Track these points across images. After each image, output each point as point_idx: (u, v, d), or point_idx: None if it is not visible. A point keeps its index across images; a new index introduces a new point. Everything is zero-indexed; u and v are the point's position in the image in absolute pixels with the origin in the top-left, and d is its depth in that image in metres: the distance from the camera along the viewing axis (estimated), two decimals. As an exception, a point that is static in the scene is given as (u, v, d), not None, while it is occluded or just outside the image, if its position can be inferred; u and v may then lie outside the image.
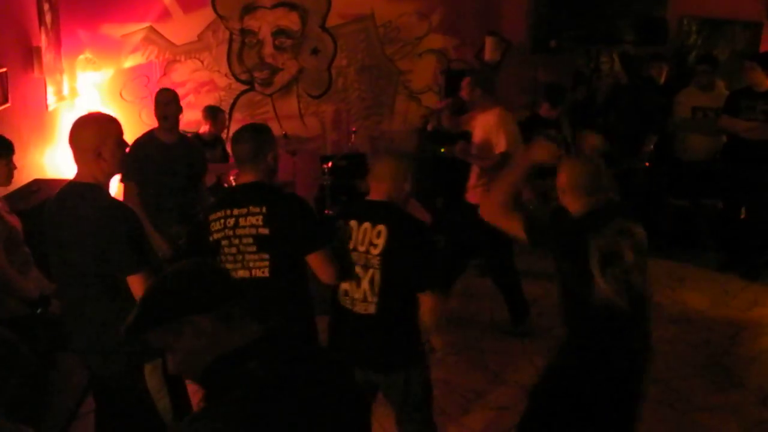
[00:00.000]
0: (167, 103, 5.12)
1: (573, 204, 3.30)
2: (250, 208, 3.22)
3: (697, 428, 4.57)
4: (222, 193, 3.53)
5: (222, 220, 3.28)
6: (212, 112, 6.93)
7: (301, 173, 7.14)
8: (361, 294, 3.31)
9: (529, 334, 5.72)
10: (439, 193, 7.43)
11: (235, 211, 3.25)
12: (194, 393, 4.28)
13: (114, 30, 7.37)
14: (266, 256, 3.22)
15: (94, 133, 3.09)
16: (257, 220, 3.20)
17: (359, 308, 3.33)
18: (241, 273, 3.26)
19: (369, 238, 3.28)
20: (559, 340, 5.52)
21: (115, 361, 3.19)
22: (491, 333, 5.79)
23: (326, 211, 7.26)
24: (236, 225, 3.24)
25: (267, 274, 3.24)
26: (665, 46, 8.06)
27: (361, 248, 3.29)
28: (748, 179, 6.73)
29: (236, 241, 3.25)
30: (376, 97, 8.20)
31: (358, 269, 3.30)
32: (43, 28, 6.43)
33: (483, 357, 5.40)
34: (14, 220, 3.88)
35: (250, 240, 3.22)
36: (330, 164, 7.08)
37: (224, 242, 3.27)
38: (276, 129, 7.77)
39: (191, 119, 7.56)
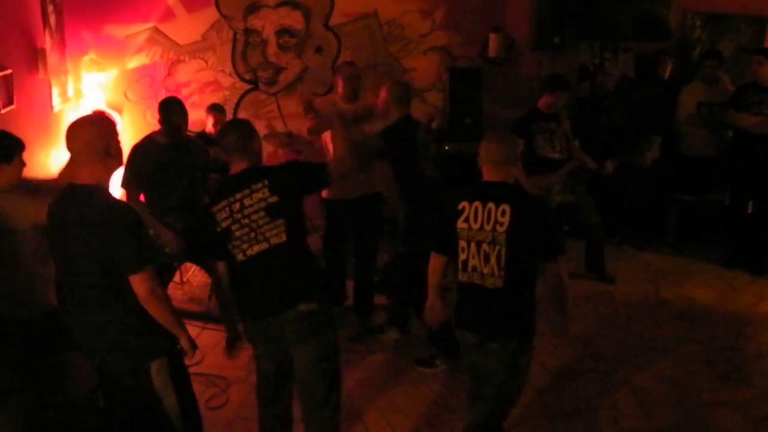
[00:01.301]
0: (181, 116, 5.17)
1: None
2: (252, 186, 3.47)
3: (703, 424, 4.55)
4: (218, 185, 3.75)
5: (227, 209, 3.48)
6: (210, 110, 6.97)
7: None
8: (489, 269, 3.54)
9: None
10: (444, 191, 7.41)
11: (237, 195, 3.47)
12: (201, 393, 4.31)
13: (118, 31, 7.39)
14: (281, 221, 3.48)
15: (100, 132, 3.13)
16: (263, 193, 3.45)
17: (489, 283, 3.55)
18: (258, 248, 3.49)
19: (495, 217, 3.51)
20: (563, 336, 5.52)
21: (121, 360, 3.21)
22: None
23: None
24: (242, 207, 3.46)
25: (285, 239, 3.49)
26: (669, 42, 8.04)
27: (488, 227, 3.53)
28: (755, 174, 6.71)
29: (246, 221, 3.45)
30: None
31: (485, 246, 3.53)
32: (47, 30, 6.45)
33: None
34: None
35: (262, 213, 3.45)
36: (334, 163, 7.07)
37: (234, 227, 3.47)
38: (280, 128, 7.82)
39: (196, 119, 7.57)
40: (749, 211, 7.04)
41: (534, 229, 3.52)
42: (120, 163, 3.26)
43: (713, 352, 5.44)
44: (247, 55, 7.78)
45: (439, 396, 4.82)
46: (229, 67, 7.76)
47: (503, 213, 3.49)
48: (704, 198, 7.42)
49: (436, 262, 3.87)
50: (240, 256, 3.53)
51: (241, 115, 7.82)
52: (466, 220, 3.59)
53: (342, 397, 4.73)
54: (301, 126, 7.88)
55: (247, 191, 3.47)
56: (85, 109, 7.06)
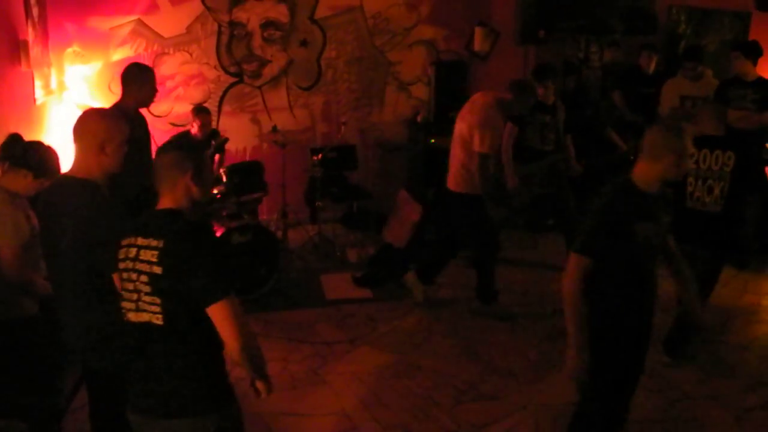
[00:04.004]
0: None
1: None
2: (151, 240, 2.65)
3: (687, 416, 4.58)
4: (142, 215, 2.89)
5: (126, 249, 2.74)
6: (197, 112, 6.88)
7: (290, 165, 7.12)
8: (713, 198, 4.87)
9: (511, 319, 5.89)
10: (430, 184, 7.45)
11: (140, 240, 2.69)
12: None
13: (102, 23, 7.33)
14: (158, 300, 2.63)
15: (103, 127, 3.10)
16: (152, 255, 2.62)
17: (710, 207, 4.89)
18: (138, 317, 2.70)
19: (722, 160, 4.82)
20: (546, 329, 5.57)
21: (104, 357, 3.19)
22: (482, 323, 5.80)
23: (317, 203, 7.26)
24: (137, 257, 2.68)
25: (161, 322, 2.63)
26: (654, 36, 8.08)
27: (715, 167, 4.85)
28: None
29: (134, 276, 2.68)
30: (365, 89, 8.19)
31: (710, 181, 4.87)
32: (30, 22, 6.39)
33: (474, 347, 5.42)
34: (34, 219, 3.86)
35: (146, 278, 2.64)
36: (320, 156, 7.07)
37: (125, 275, 2.73)
38: (266, 121, 7.79)
39: (180, 112, 7.54)
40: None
41: (750, 169, 4.90)
42: (115, 167, 3.18)
43: (697, 344, 5.47)
44: (231, 47, 7.75)
45: (425, 390, 4.82)
46: (213, 60, 7.72)
47: (729, 158, 4.81)
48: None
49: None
50: (126, 315, 2.76)
51: (226, 108, 7.78)
52: (696, 162, 4.88)
53: (326, 392, 4.77)
54: (285, 119, 7.89)
55: (146, 242, 2.67)
56: (68, 102, 7.00)
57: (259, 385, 2.76)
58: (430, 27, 8.15)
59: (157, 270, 2.60)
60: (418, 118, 7.98)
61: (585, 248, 3.39)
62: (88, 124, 3.12)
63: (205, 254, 2.61)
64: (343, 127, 7.45)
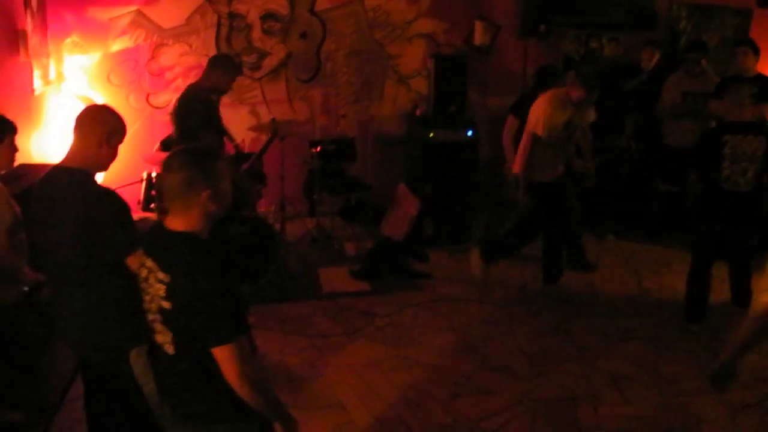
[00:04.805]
0: None
1: None
2: (159, 271, 2.50)
3: (684, 412, 4.58)
4: (152, 225, 2.70)
5: (138, 262, 2.69)
6: None
7: (289, 158, 7.10)
8: (745, 179, 5.24)
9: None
10: (428, 178, 7.43)
11: (149, 263, 2.57)
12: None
13: (101, 13, 7.31)
14: (169, 333, 2.54)
15: (113, 119, 3.16)
16: (161, 289, 2.48)
17: (743, 188, 5.27)
18: (154, 336, 2.63)
19: (755, 145, 5.21)
20: (544, 324, 5.56)
21: (101, 346, 3.19)
22: (480, 317, 5.80)
23: (315, 196, 7.25)
24: (147, 279, 2.58)
25: (172, 352, 2.56)
26: (655, 32, 8.06)
27: (749, 151, 5.22)
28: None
29: (148, 298, 2.60)
30: (365, 82, 8.18)
31: (744, 164, 5.22)
32: (28, 11, 6.37)
33: (470, 341, 5.42)
34: (16, 206, 3.85)
35: (156, 307, 2.54)
36: (319, 148, 7.06)
37: (143, 284, 2.62)
38: (264, 113, 7.77)
39: (179, 103, 7.52)
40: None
41: None
42: (109, 163, 3.21)
43: (694, 341, 5.47)
44: (231, 39, 7.73)
45: (421, 383, 4.82)
46: (213, 52, 7.67)
47: (761, 141, 5.21)
48: (686, 188, 7.44)
49: (695, 175, 5.68)
50: (149, 332, 2.67)
51: (225, 100, 7.73)
52: (731, 148, 5.26)
53: (322, 385, 4.77)
54: (284, 111, 7.87)
55: (155, 267, 2.53)
56: (66, 92, 6.98)
57: (277, 427, 2.67)
58: (430, 20, 8.13)
59: (167, 305, 2.46)
60: (417, 112, 7.96)
61: None
62: (98, 113, 3.19)
63: (214, 293, 2.40)
64: (342, 120, 7.45)
